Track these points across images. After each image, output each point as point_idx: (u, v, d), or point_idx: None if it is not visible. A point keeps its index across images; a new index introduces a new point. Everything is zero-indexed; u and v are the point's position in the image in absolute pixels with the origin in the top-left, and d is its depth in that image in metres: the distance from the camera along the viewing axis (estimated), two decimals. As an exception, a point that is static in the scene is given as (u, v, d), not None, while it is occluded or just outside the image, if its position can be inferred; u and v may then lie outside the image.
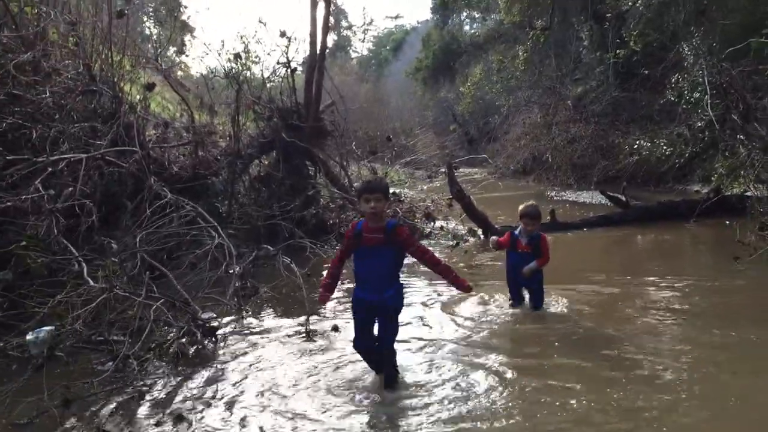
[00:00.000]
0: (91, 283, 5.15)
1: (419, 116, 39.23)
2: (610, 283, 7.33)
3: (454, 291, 5.37)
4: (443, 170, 16.76)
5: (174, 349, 4.86)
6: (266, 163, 10.80)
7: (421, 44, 37.68)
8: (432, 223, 11.19)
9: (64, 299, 4.92)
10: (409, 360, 4.86)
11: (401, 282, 4.42)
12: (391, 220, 4.36)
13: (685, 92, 15.45)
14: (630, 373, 4.44)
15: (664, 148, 16.03)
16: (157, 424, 3.96)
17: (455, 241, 9.94)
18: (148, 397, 4.37)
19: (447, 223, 11.48)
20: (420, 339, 5.43)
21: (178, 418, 4.01)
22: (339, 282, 4.65)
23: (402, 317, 4.57)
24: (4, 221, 5.69)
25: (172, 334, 5.09)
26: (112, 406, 4.23)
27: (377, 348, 4.40)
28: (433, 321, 5.99)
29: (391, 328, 4.35)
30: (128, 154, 7.75)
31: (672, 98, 16.23)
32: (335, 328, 5.68)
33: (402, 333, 5.08)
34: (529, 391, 4.24)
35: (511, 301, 6.29)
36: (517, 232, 6.12)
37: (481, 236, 10.62)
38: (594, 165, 18.49)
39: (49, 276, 5.30)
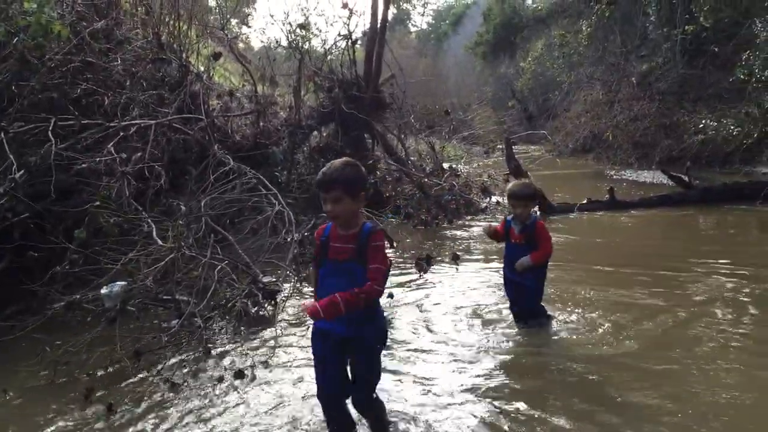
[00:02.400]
0: (160, 243, 5.37)
1: (478, 91, 38.68)
2: (660, 273, 6.45)
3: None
4: (500, 146, 16.69)
5: (237, 309, 5.06)
6: (325, 134, 10.95)
7: (481, 18, 37.02)
8: (488, 198, 11.17)
9: (135, 257, 5.16)
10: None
11: (381, 308, 3.26)
12: (367, 223, 3.19)
13: (756, 70, 14.85)
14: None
15: (732, 127, 15.51)
16: (219, 379, 4.18)
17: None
18: (211, 354, 4.59)
19: (503, 199, 11.41)
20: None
21: (238, 374, 4.21)
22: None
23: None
24: (79, 182, 5.97)
25: (235, 294, 5.30)
26: (178, 360, 4.46)
27: (355, 398, 3.25)
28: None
29: (371, 368, 3.23)
30: (193, 122, 8.00)
31: (742, 76, 15.59)
32: (390, 296, 5.76)
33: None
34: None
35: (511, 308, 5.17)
36: (510, 218, 5.05)
37: (538, 213, 10.53)
38: (657, 144, 17.99)
39: (121, 235, 5.56)
